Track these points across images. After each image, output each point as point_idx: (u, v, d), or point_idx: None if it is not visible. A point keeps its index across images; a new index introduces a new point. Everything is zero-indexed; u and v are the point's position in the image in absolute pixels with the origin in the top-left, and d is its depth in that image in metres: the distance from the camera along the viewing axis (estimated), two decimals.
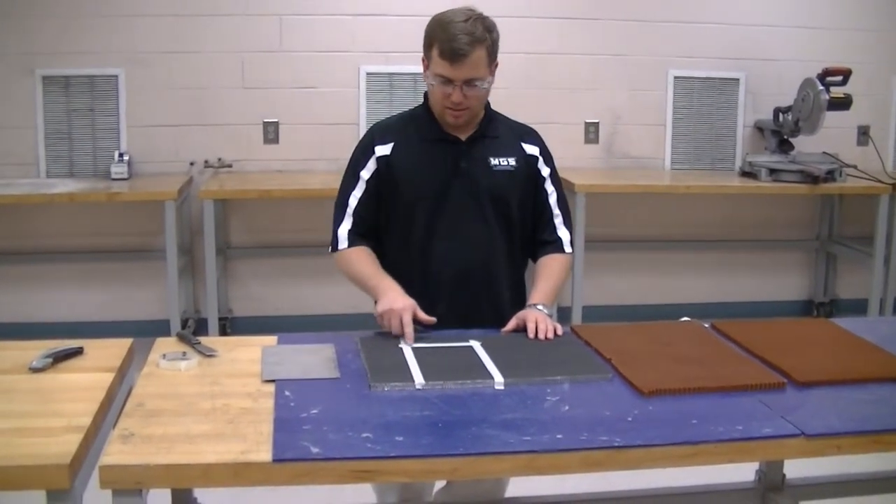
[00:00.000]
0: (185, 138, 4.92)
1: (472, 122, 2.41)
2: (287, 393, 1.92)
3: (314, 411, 1.82)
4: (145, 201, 4.61)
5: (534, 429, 1.75)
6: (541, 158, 2.47)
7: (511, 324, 2.31)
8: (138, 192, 4.54)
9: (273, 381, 1.99)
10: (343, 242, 2.43)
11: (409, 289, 2.33)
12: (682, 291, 5.45)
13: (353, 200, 2.44)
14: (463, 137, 2.41)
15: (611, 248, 5.32)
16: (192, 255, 4.98)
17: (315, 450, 1.65)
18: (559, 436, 1.72)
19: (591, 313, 4.95)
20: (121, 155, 4.73)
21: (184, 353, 2.12)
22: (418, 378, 1.98)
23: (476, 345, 2.20)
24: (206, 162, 4.94)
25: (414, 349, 2.17)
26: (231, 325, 5.07)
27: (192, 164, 4.94)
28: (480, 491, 2.42)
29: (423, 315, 2.24)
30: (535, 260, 2.54)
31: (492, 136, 2.43)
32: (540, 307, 2.34)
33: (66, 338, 2.15)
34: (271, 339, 2.26)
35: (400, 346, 2.20)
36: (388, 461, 1.64)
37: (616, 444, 1.69)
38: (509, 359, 2.10)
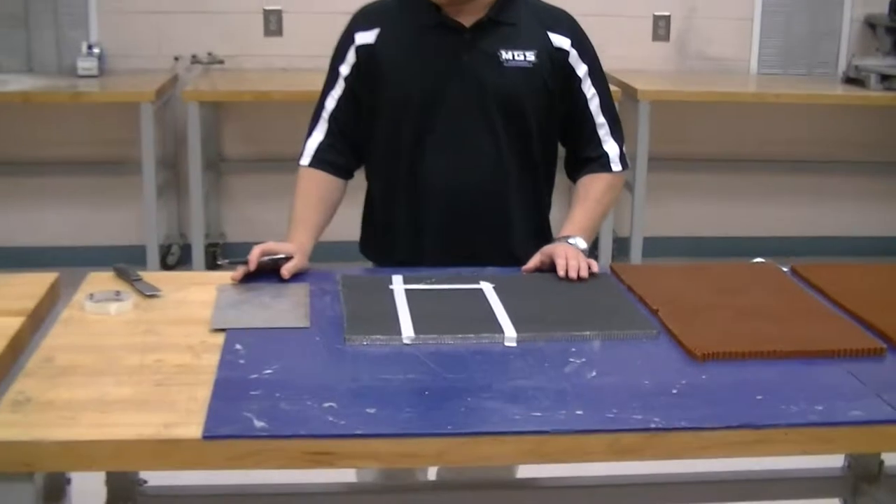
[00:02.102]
0: (168, 28, 4.78)
1: (480, 4, 2.18)
2: (238, 347, 1.74)
3: (268, 371, 1.64)
4: (119, 103, 4.50)
5: (548, 401, 1.56)
6: (573, 52, 2.24)
7: (534, 260, 2.13)
8: (110, 93, 4.44)
9: (223, 330, 1.81)
10: (305, 158, 2.29)
11: (395, 220, 2.19)
12: (765, 223, 5.30)
13: (330, 103, 2.27)
14: (467, 24, 2.18)
15: (680, 169, 5.16)
16: (177, 170, 4.88)
17: (259, 424, 1.47)
18: (579, 412, 1.53)
19: (653, 246, 4.82)
20: (90, 47, 4.60)
21: (117, 293, 1.95)
22: (407, 330, 1.79)
23: (487, 287, 2.01)
24: (193, 57, 4.81)
25: (409, 292, 1.98)
26: (223, 253, 4.93)
27: (176, 59, 4.81)
28: (489, 469, 2.25)
29: (289, 265, 2.08)
30: (574, 180, 2.33)
31: (507, 23, 2.21)
32: (572, 241, 2.14)
33: (20, 268, 1.98)
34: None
35: (391, 287, 2.00)
36: (353, 441, 1.47)
37: (654, 426, 1.50)
38: (527, 307, 1.91)
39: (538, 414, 1.52)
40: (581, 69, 2.25)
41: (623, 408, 1.54)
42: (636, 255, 4.66)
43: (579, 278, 2.06)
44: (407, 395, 1.58)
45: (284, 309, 1.92)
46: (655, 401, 1.57)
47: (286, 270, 2.05)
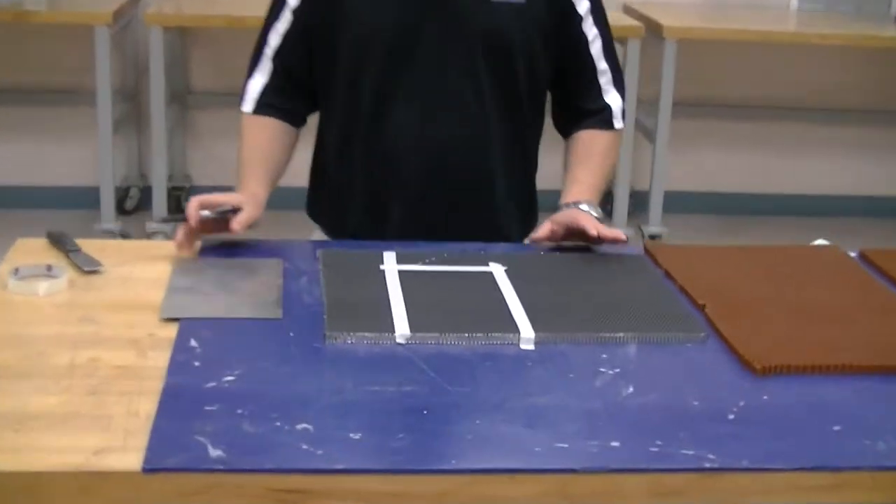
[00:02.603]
0: None
1: None
2: (193, 343, 1.54)
3: (228, 378, 1.44)
4: (71, 26, 4.29)
5: (575, 427, 1.36)
6: None
7: (544, 228, 1.94)
8: (61, 13, 4.24)
9: (177, 319, 1.60)
10: (247, 103, 2.09)
11: (353, 185, 2.02)
12: (801, 178, 5.15)
13: (274, 39, 2.07)
14: None
15: (707, 116, 5.00)
16: (138, 102, 4.68)
17: (215, 452, 1.27)
18: (615, 443, 1.33)
19: (675, 202, 4.69)
20: None
21: (49, 268, 1.74)
22: (401, 326, 1.58)
23: (498, 270, 1.80)
24: None
25: (403, 275, 1.77)
26: (188, 198, 4.70)
27: None
28: None
29: (239, 217, 1.87)
30: (566, 135, 2.15)
31: None
32: (584, 206, 1.96)
33: None
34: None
35: (382, 267, 1.79)
36: (332, 477, 1.27)
37: (708, 466, 1.29)
38: (546, 297, 1.72)
39: (563, 445, 1.32)
40: (582, 6, 2.06)
41: (669, 439, 1.34)
42: (656, 211, 4.49)
43: (617, 240, 1.89)
44: (400, 415, 1.38)
45: (252, 293, 1.71)
46: (708, 430, 1.37)
47: (237, 223, 1.85)
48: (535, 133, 2.16)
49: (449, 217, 2.05)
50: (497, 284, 1.76)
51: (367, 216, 2.07)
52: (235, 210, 1.87)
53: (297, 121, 2.10)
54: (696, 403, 1.44)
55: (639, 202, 4.68)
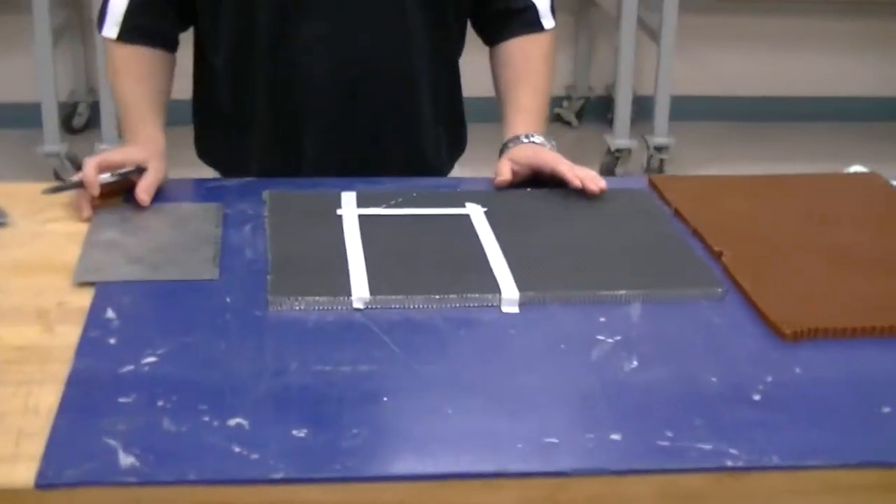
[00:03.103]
0: None
1: None
2: (110, 314, 1.37)
3: (149, 360, 1.28)
4: None
5: (567, 415, 1.21)
6: None
7: (504, 170, 1.77)
8: None
9: (92, 283, 1.42)
10: (111, 27, 1.84)
11: (253, 115, 1.82)
12: (826, 79, 4.98)
13: None
14: None
15: (718, 10, 4.82)
16: (81, 7, 4.43)
17: (127, 460, 1.11)
18: (615, 436, 1.17)
19: (682, 107, 4.52)
20: None
21: None
22: (360, 287, 1.41)
23: (476, 213, 1.63)
24: None
25: (364, 221, 1.60)
26: None
27: None
28: None
29: (144, 183, 1.68)
30: (491, 44, 1.96)
31: None
32: (538, 139, 1.81)
33: None
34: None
35: (339, 212, 1.62)
36: (269, 488, 1.10)
37: (730, 465, 1.13)
38: (533, 245, 1.56)
39: (553, 440, 1.16)
40: None
41: (681, 428, 1.18)
42: (662, 119, 4.32)
43: (601, 189, 1.72)
44: (355, 404, 1.21)
45: (184, 247, 1.54)
46: (729, 415, 1.21)
47: (144, 191, 1.66)
48: (460, 47, 1.98)
49: (371, 150, 1.88)
50: (475, 230, 1.59)
51: (275, 154, 1.89)
52: (140, 170, 1.68)
53: (171, 45, 1.87)
54: (713, 380, 1.27)
55: (643, 109, 4.51)
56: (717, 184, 1.81)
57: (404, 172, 1.85)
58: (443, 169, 1.96)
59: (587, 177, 1.70)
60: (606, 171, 4.32)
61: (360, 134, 1.85)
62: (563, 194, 1.72)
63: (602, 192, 1.70)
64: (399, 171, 1.84)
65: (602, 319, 1.39)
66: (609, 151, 4.33)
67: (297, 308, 1.39)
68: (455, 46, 1.95)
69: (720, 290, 1.45)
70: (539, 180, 1.77)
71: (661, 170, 4.32)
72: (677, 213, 1.67)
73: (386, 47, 1.82)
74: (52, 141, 4.08)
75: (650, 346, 1.34)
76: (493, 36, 1.93)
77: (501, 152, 1.81)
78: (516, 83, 1.88)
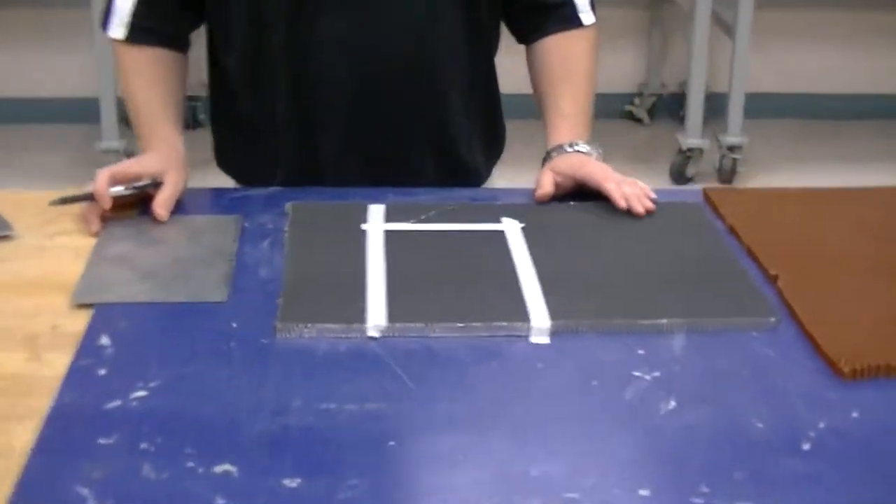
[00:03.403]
0: None
1: None
2: (104, 341, 1.27)
3: (138, 394, 1.17)
4: None
5: (588, 464, 1.08)
6: None
7: (546, 181, 1.64)
8: None
9: (91, 306, 1.32)
10: (118, 28, 1.71)
11: (270, 118, 1.71)
12: None
13: None
14: None
15: (796, 5, 4.64)
16: None
17: None
18: (644, 492, 1.04)
19: (758, 105, 4.34)
20: None
21: None
22: (377, 313, 1.30)
23: (512, 229, 1.51)
24: None
25: (389, 237, 1.49)
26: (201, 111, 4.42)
27: None
28: None
29: (161, 197, 1.57)
30: (527, 42, 1.82)
31: None
32: (583, 148, 1.68)
33: None
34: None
35: (364, 227, 1.51)
36: None
37: None
38: (570, 264, 1.44)
39: (573, 496, 1.03)
40: None
41: (719, 482, 1.05)
42: (736, 117, 4.16)
43: (647, 211, 1.59)
44: (357, 449, 1.10)
45: (194, 264, 1.43)
46: (774, 466, 1.08)
47: (161, 207, 1.56)
48: (495, 43, 1.85)
49: (398, 151, 1.76)
50: (509, 249, 1.47)
51: (296, 158, 1.76)
52: (157, 183, 1.57)
53: (182, 45, 1.76)
54: (759, 425, 1.14)
55: (716, 107, 4.33)
56: (777, 197, 1.67)
57: (437, 173, 1.74)
58: (478, 169, 1.84)
59: (634, 196, 1.57)
60: (677, 172, 4.16)
61: (385, 134, 1.74)
62: (609, 209, 1.59)
63: (650, 212, 1.56)
64: (431, 173, 1.73)
65: (640, 352, 1.26)
66: (680, 151, 4.17)
67: (307, 336, 1.27)
68: (489, 42, 1.82)
69: (773, 319, 1.32)
70: (584, 192, 1.64)
71: (733, 170, 4.15)
72: (731, 229, 1.54)
73: (410, 40, 1.70)
74: (111, 137, 4.01)
75: (691, 383, 1.21)
76: (527, 34, 1.79)
77: (544, 162, 1.68)
78: (555, 87, 1.75)
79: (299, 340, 1.27)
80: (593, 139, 1.71)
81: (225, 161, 1.86)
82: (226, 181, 1.85)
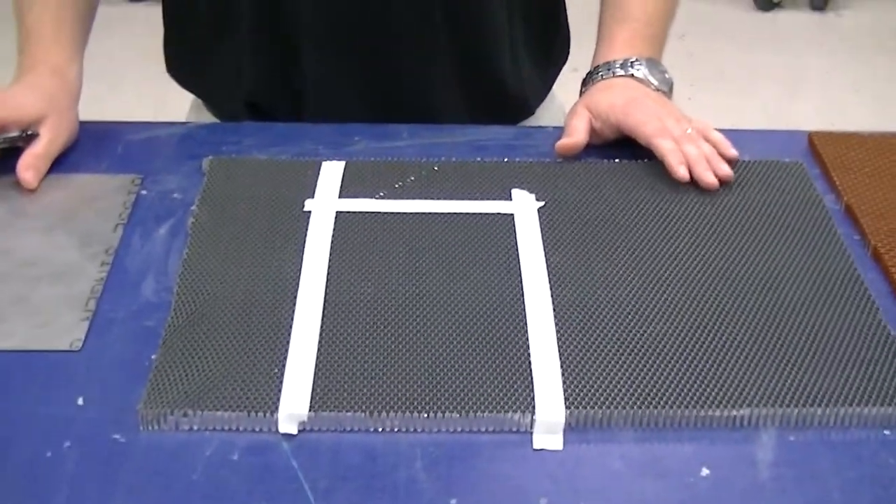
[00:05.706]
0: None
1: None
2: None
3: None
4: None
5: None
6: None
7: (579, 126, 1.13)
8: None
9: None
10: None
11: (237, 22, 1.22)
12: None
13: None
14: None
15: None
16: None
17: None
18: None
19: None
20: None
21: None
22: (296, 394, 0.83)
23: (524, 210, 1.04)
24: None
25: (341, 223, 1.01)
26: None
27: None
28: None
29: (31, 156, 1.09)
30: None
31: None
32: (639, 70, 1.16)
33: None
34: None
35: (308, 205, 1.04)
36: None
37: None
38: (606, 282, 0.95)
39: None
40: None
41: None
42: None
43: (719, 180, 1.08)
44: None
45: (45, 276, 0.97)
46: None
47: (28, 168, 1.09)
48: None
49: (408, 63, 1.24)
50: (517, 250, 0.98)
51: (264, 69, 1.26)
52: (29, 135, 1.09)
53: None
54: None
55: None
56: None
57: (464, 96, 1.27)
58: (524, 92, 1.33)
59: (700, 158, 1.07)
60: None
61: (387, 35, 1.22)
62: (647, 177, 1.10)
63: (725, 182, 1.07)
64: (455, 94, 1.26)
65: (705, 472, 0.79)
66: None
67: (186, 428, 0.81)
68: None
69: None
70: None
71: None
72: (848, 208, 1.04)
73: None
74: None
75: None
76: None
77: (582, 89, 1.19)
78: None
79: (172, 437, 0.81)
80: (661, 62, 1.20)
81: (175, 65, 1.35)
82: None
